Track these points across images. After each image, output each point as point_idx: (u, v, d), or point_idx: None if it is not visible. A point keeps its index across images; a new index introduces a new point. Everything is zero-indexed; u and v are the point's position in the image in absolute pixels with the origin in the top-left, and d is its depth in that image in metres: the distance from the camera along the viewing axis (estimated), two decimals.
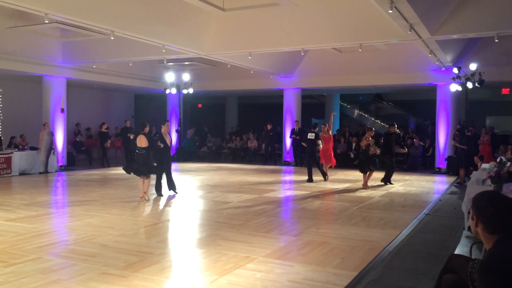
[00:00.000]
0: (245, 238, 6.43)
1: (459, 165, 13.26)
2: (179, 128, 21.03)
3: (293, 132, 18.54)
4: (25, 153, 14.86)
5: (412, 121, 26.96)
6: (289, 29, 12.23)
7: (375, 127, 27.07)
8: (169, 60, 16.10)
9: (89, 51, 15.55)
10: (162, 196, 10.24)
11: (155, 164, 10.07)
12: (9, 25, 13.05)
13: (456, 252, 5.52)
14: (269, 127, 19.32)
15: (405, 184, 12.90)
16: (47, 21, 10.09)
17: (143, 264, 5.18)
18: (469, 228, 6.45)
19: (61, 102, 16.64)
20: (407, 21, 9.61)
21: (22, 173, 14.55)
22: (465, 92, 15.34)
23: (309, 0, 11.15)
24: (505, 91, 20.82)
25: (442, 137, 16.89)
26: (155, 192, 10.36)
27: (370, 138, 11.82)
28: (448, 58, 14.54)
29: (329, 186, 12.30)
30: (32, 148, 15.25)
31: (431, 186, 12.86)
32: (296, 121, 18.91)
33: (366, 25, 11.37)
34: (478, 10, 10.46)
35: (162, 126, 10.59)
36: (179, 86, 19.35)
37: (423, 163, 17.56)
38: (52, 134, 15.52)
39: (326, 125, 13.76)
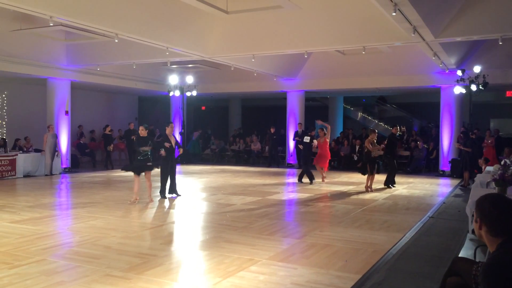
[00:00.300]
0: (248, 240, 6.42)
1: (464, 168, 13.22)
2: (182, 130, 21.07)
3: (296, 134, 18.54)
4: (29, 155, 14.93)
5: (416, 124, 26.91)
6: (292, 32, 12.24)
7: (379, 129, 27.05)
8: (172, 63, 16.14)
9: (93, 54, 15.61)
10: (166, 198, 10.24)
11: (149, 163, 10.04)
12: (14, 28, 13.13)
13: (460, 255, 5.50)
14: (272, 130, 19.35)
15: (409, 186, 12.86)
16: (51, 24, 10.15)
17: (147, 266, 5.19)
18: (473, 231, 6.42)
19: (66, 104, 16.71)
20: (410, 23, 9.60)
21: (27, 175, 14.61)
22: (469, 95, 15.29)
23: (312, 2, 11.15)
24: (509, 93, 20.76)
25: (446, 140, 16.84)
26: (159, 194, 10.38)
27: (374, 141, 11.77)
28: (452, 60, 14.51)
29: (332, 188, 12.29)
30: (37, 150, 15.32)
31: (435, 189, 12.83)
32: (300, 123, 18.91)
33: (369, 27, 11.36)
34: (482, 12, 10.44)
35: (166, 128, 10.62)
36: (182, 88, 19.39)
37: (427, 166, 17.52)
38: (56, 136, 15.59)
39: (323, 129, 13.78)
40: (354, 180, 14.16)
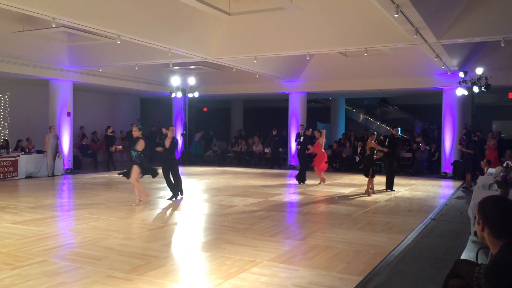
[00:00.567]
0: (250, 242, 6.42)
1: (466, 170, 13.20)
2: (184, 131, 21.08)
3: (298, 136, 18.54)
4: (31, 156, 14.95)
5: (418, 126, 26.87)
6: (294, 33, 12.25)
7: (381, 131, 27.02)
8: (174, 64, 16.17)
9: (95, 55, 15.65)
10: (182, 198, 10.34)
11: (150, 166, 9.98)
12: (16, 29, 13.16)
13: (462, 257, 5.50)
14: (274, 132, 19.36)
15: (410, 188, 12.84)
16: (54, 25, 10.16)
17: (148, 267, 5.19)
18: (475, 233, 6.41)
19: (68, 105, 16.75)
20: (413, 25, 9.59)
21: (29, 176, 14.63)
22: (471, 97, 15.27)
23: (314, 4, 11.15)
24: (511, 95, 20.71)
25: (448, 142, 16.82)
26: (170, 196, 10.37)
27: (373, 142, 11.61)
28: (454, 62, 14.49)
29: (334, 190, 12.27)
30: (39, 152, 15.35)
31: (437, 190, 12.80)
32: (301, 125, 18.88)
33: (371, 29, 11.36)
34: (484, 14, 10.43)
35: (168, 131, 10.56)
36: (184, 90, 19.41)
37: (429, 168, 17.50)
38: (57, 137, 15.61)
39: (319, 131, 13.76)
40: (356, 181, 14.14)
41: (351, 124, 26.37)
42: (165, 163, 10.40)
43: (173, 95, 19.36)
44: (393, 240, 6.61)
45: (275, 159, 19.54)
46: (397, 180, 14.45)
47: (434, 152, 17.58)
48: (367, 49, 12.11)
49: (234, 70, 15.76)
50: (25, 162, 14.58)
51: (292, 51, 13.32)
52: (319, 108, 26.42)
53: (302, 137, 13.58)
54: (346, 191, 12.18)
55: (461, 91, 15.20)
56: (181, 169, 18.30)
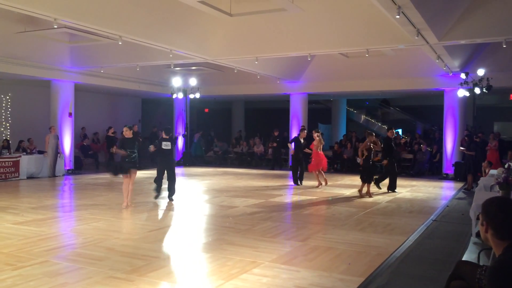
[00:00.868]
0: (251, 243, 6.42)
1: (467, 171, 13.18)
2: (185, 132, 21.09)
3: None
4: (33, 157, 14.96)
5: (419, 127, 26.86)
6: (296, 34, 12.25)
7: (382, 132, 27.00)
8: (176, 65, 16.18)
9: (97, 56, 15.66)
10: (173, 200, 10.18)
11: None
12: (18, 30, 13.19)
13: (464, 258, 5.49)
14: (276, 133, 19.36)
15: (412, 190, 12.83)
16: (56, 26, 10.18)
17: (150, 268, 5.19)
18: (477, 235, 6.41)
19: (69, 106, 16.76)
20: (414, 26, 9.58)
21: (30, 177, 14.64)
22: (472, 98, 15.26)
23: (316, 5, 11.16)
24: None
25: (449, 143, 16.80)
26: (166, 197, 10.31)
27: (369, 144, 11.23)
28: (455, 63, 14.49)
29: (336, 191, 12.27)
30: (40, 152, 15.36)
31: (438, 192, 12.79)
32: (303, 126, 18.90)
33: (373, 30, 11.36)
34: (486, 15, 10.43)
35: (162, 132, 10.50)
36: (186, 91, 19.43)
37: (430, 169, 17.47)
38: (58, 138, 15.61)
39: (317, 132, 13.48)
40: (357, 183, 14.08)
41: (352, 125, 26.36)
42: (164, 161, 10.23)
43: (174, 96, 19.38)
44: (394, 242, 6.61)
45: (276, 160, 19.53)
46: (398, 181, 14.44)
47: (436, 153, 17.56)
48: (369, 50, 12.11)
49: (235, 71, 15.77)
50: (27, 162, 14.59)
51: (294, 52, 13.33)
52: (320, 109, 26.42)
53: (303, 139, 13.49)
54: (347, 192, 12.17)
55: (462, 93, 15.18)
56: (182, 170, 18.38)
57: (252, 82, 18.89)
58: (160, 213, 8.95)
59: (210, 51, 13.33)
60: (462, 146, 14.87)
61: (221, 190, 12.35)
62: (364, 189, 11.27)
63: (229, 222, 7.96)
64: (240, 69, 15.60)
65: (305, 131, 14.02)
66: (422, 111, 26.59)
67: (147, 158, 14.75)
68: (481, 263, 3.18)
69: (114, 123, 20.11)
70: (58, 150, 15.50)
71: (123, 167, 9.27)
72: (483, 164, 11.84)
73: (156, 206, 9.62)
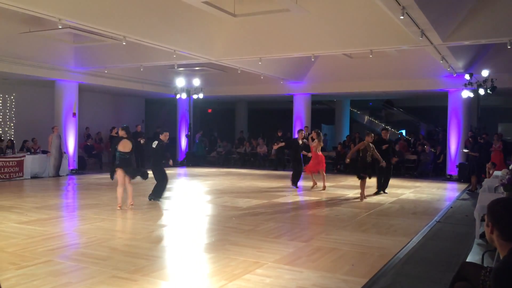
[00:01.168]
0: (254, 243, 6.41)
1: (471, 172, 13.14)
2: (188, 133, 21.12)
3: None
4: (37, 156, 15.02)
5: (423, 128, 26.82)
6: (299, 35, 12.25)
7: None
8: (179, 65, 16.21)
9: (101, 56, 15.71)
10: (160, 200, 9.96)
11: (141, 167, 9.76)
12: (23, 30, 13.24)
13: (468, 260, 5.47)
14: (279, 133, 19.37)
15: (415, 191, 12.79)
16: (60, 27, 10.23)
17: (153, 268, 5.20)
18: (481, 236, 6.38)
19: (73, 106, 16.82)
20: (418, 27, 9.57)
21: (34, 177, 14.69)
22: (477, 99, 15.22)
23: (320, 6, 11.16)
24: None
25: (453, 144, 16.76)
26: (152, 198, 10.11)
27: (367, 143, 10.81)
28: (460, 64, 14.45)
29: (339, 192, 12.25)
30: (44, 152, 15.41)
31: (442, 193, 12.75)
32: (306, 126, 18.90)
33: (377, 31, 11.35)
34: (490, 16, 10.40)
35: (160, 135, 10.26)
36: (189, 91, 19.46)
37: (434, 170, 17.43)
38: (60, 138, 15.66)
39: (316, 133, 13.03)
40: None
41: (356, 126, 26.34)
42: (158, 165, 10.13)
43: (177, 96, 19.41)
44: (398, 243, 6.59)
45: (279, 161, 19.53)
46: (402, 182, 14.44)
47: (439, 155, 17.51)
48: (372, 51, 12.10)
49: (239, 72, 15.78)
50: (31, 162, 14.65)
51: (297, 53, 13.33)
52: (323, 110, 26.40)
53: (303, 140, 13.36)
54: (350, 193, 12.15)
55: (466, 93, 15.14)
56: (185, 170, 18.40)
57: (255, 83, 18.90)
58: (164, 213, 8.96)
59: (214, 51, 13.34)
60: (466, 147, 14.83)
61: (224, 190, 12.35)
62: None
63: (232, 222, 7.96)
64: (244, 70, 15.61)
65: (303, 132, 13.90)
66: (426, 112, 26.54)
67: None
68: (485, 265, 3.17)
69: (118, 123, 20.09)
70: (61, 150, 15.55)
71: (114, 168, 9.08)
72: (487, 165, 11.79)
73: (159, 206, 9.63)
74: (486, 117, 19.25)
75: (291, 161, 13.54)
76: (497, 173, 9.88)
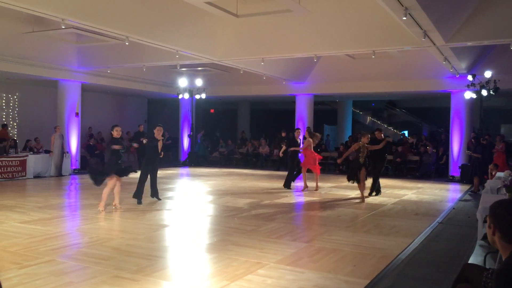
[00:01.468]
0: (256, 243, 6.41)
1: (473, 174, 13.11)
2: (191, 133, 21.13)
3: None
4: (39, 156, 15.06)
5: (425, 129, 26.78)
6: (302, 36, 12.25)
7: (388, 133, 26.88)
8: (182, 66, 16.23)
9: (104, 56, 15.75)
10: (141, 204, 9.61)
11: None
12: (26, 30, 13.28)
13: (470, 261, 5.45)
14: (283, 134, 19.36)
15: (418, 192, 12.78)
16: (63, 27, 10.25)
17: (155, 268, 5.20)
18: (483, 237, 6.36)
19: (76, 106, 16.86)
20: (421, 28, 9.55)
21: (37, 176, 14.73)
22: (479, 100, 15.19)
23: (322, 6, 11.15)
24: None
25: (456, 145, 16.72)
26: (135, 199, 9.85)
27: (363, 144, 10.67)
28: (462, 65, 14.42)
29: (341, 193, 12.24)
30: (47, 151, 15.45)
31: (444, 194, 12.73)
32: (308, 127, 18.88)
33: (379, 31, 11.34)
34: (493, 17, 10.37)
35: (154, 130, 9.94)
36: (191, 91, 19.48)
37: (436, 171, 17.40)
38: (63, 137, 15.69)
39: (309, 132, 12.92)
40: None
41: (358, 127, 26.33)
42: (152, 164, 9.85)
43: (180, 96, 19.45)
44: (400, 244, 6.58)
45: (282, 161, 19.51)
46: (404, 183, 14.42)
47: (442, 156, 17.48)
48: (375, 52, 12.08)
49: (241, 72, 15.79)
50: (33, 162, 14.68)
51: (300, 53, 13.32)
52: (326, 110, 26.40)
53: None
54: (352, 193, 12.13)
55: (469, 95, 15.11)
56: (187, 171, 18.42)
57: (258, 83, 18.90)
58: (165, 213, 8.97)
59: (216, 52, 13.35)
60: (468, 148, 14.80)
61: (226, 190, 12.36)
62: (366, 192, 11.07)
63: (234, 222, 7.97)
64: (246, 70, 15.62)
65: (300, 130, 13.87)
66: (429, 113, 26.51)
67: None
68: (487, 266, 3.17)
69: (120, 123, 20.01)
70: (64, 150, 15.59)
71: (105, 171, 8.83)
72: (489, 166, 11.77)
73: (161, 206, 9.64)
74: (488, 118, 19.24)
75: (289, 161, 13.36)
76: (499, 174, 9.85)
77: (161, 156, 9.97)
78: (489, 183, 8.92)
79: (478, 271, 2.85)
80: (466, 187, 13.99)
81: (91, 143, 19.40)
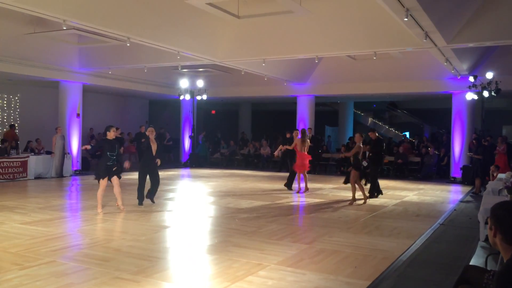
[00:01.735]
0: (257, 245, 6.41)
1: (475, 175, 13.09)
2: (192, 134, 21.13)
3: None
4: (41, 157, 15.07)
5: (427, 130, 26.75)
6: (303, 37, 12.25)
7: (389, 135, 26.88)
8: (183, 67, 16.24)
9: (105, 57, 15.76)
10: (142, 205, 9.59)
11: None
12: (27, 31, 13.30)
13: (471, 263, 5.44)
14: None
15: (419, 193, 12.76)
16: (65, 28, 10.27)
17: (155, 269, 5.20)
18: (484, 239, 6.35)
19: (77, 107, 16.88)
20: (422, 29, 9.55)
21: (38, 177, 14.74)
22: (481, 101, 15.17)
23: (324, 7, 11.15)
24: None
25: (457, 146, 16.70)
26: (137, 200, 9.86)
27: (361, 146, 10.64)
28: (464, 66, 14.40)
29: (342, 194, 12.22)
30: (48, 152, 15.46)
31: (445, 195, 12.71)
32: (309, 128, 18.88)
33: (381, 33, 11.33)
34: (495, 18, 10.36)
35: (146, 132, 9.80)
36: (193, 92, 19.49)
37: (437, 172, 17.38)
38: (64, 138, 15.70)
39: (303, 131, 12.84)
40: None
41: (360, 128, 26.30)
42: (148, 166, 9.68)
43: (181, 97, 19.45)
44: (401, 245, 6.57)
45: (283, 162, 19.50)
46: (405, 185, 14.41)
47: (443, 157, 17.46)
48: (376, 53, 12.08)
49: (242, 73, 15.80)
50: (35, 162, 14.69)
51: (301, 54, 13.32)
52: (327, 112, 26.40)
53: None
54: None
55: (471, 96, 15.09)
56: (189, 172, 18.42)
57: (259, 84, 18.90)
58: (166, 215, 8.97)
59: (218, 53, 13.36)
60: (470, 150, 14.77)
61: (227, 191, 12.35)
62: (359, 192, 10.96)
63: (235, 224, 7.96)
64: (247, 71, 15.62)
65: (297, 131, 13.83)
66: (430, 114, 26.49)
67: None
68: (488, 268, 3.16)
69: (121, 124, 20.18)
70: (65, 151, 15.60)
71: (101, 172, 8.80)
72: (491, 168, 11.75)
73: (162, 207, 9.63)
74: (490, 119, 19.22)
75: (289, 162, 13.35)
76: (501, 175, 9.83)
77: (159, 165, 9.67)
78: (490, 185, 8.91)
79: (480, 272, 2.84)
80: (467, 189, 13.97)
81: (93, 144, 19.38)
